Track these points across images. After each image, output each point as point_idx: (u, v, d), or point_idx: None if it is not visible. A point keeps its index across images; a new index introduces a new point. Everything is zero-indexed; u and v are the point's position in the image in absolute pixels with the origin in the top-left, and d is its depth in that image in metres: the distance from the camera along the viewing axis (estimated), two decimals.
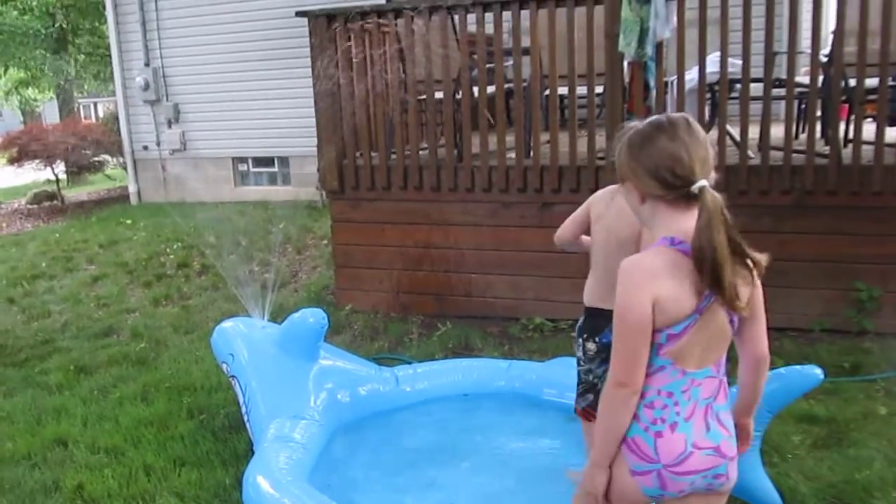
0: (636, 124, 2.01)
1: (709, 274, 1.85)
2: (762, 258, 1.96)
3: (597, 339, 2.96)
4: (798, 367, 2.96)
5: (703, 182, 1.86)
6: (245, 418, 3.89)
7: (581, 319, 3.05)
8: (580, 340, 3.03)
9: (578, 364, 3.08)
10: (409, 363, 4.69)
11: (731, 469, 2.02)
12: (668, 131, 1.92)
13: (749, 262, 1.93)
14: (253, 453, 3.56)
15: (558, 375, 3.95)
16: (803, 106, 5.44)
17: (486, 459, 3.66)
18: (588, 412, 3.14)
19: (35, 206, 13.47)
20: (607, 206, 2.89)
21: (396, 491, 3.43)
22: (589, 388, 3.09)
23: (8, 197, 14.82)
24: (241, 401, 3.96)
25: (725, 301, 1.88)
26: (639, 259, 1.97)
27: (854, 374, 4.33)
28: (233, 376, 4.08)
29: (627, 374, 1.93)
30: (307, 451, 3.50)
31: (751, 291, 1.98)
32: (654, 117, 2.00)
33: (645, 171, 1.94)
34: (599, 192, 2.97)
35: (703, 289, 1.88)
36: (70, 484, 3.64)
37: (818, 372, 2.87)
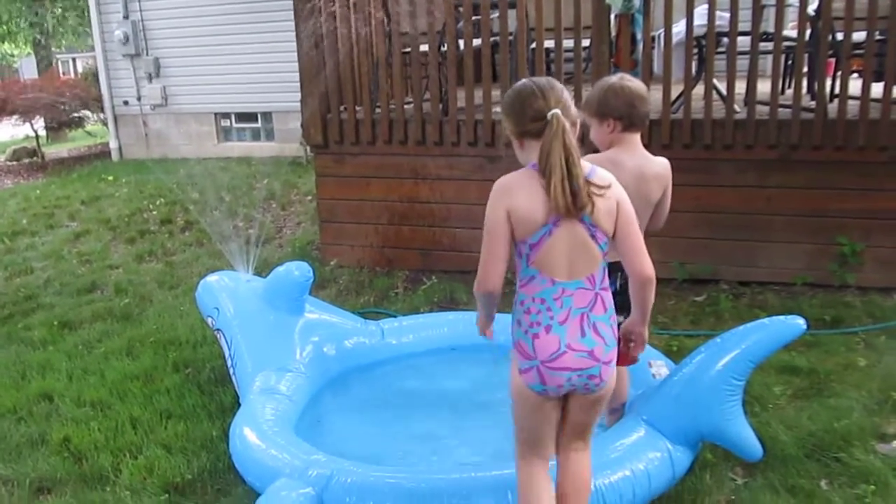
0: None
1: (547, 179, 2.16)
2: (603, 180, 2.25)
3: None
4: (781, 317, 2.99)
5: (555, 110, 2.19)
6: (231, 371, 3.90)
7: None
8: None
9: None
10: (395, 317, 4.70)
11: (604, 372, 2.32)
12: (528, 85, 2.29)
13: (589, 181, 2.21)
14: (239, 406, 3.58)
15: None
16: (790, 61, 5.42)
17: (471, 411, 3.69)
18: None
19: (14, 162, 13.30)
20: (620, 178, 2.83)
21: (382, 443, 3.45)
22: None
23: None
24: (226, 354, 3.97)
25: (552, 201, 2.16)
26: (503, 178, 2.28)
27: (835, 327, 4.38)
28: (218, 330, 4.08)
29: (482, 276, 2.29)
30: (293, 403, 3.52)
31: (614, 211, 2.24)
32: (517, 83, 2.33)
33: (514, 114, 2.29)
34: (590, 161, 2.91)
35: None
36: (56, 437, 3.65)
37: (801, 322, 2.90)
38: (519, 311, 2.32)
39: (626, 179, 2.88)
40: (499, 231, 2.22)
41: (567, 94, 2.26)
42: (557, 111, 2.19)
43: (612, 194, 2.24)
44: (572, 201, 2.16)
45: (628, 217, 2.27)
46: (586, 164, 2.24)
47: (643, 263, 2.31)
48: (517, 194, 2.22)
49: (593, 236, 2.24)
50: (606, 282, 2.34)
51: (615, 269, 2.97)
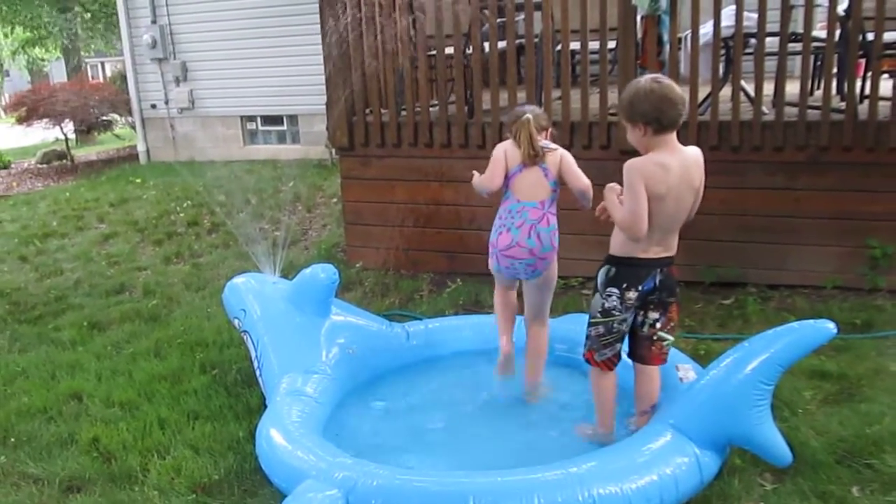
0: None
1: (521, 147, 3.49)
2: (551, 146, 3.53)
3: (640, 288, 3.06)
4: (811, 321, 2.95)
5: (527, 115, 3.50)
6: (257, 373, 3.92)
7: (612, 271, 3.10)
8: (617, 291, 3.08)
9: (608, 315, 3.12)
10: (420, 319, 4.70)
11: (538, 264, 3.54)
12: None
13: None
14: (265, 407, 3.60)
15: (569, 331, 3.96)
16: (819, 62, 5.36)
17: (495, 413, 3.69)
18: (611, 361, 3.18)
19: (45, 165, 13.50)
20: (668, 180, 2.91)
21: (406, 444, 3.45)
22: (619, 338, 3.16)
23: (18, 157, 14.83)
24: (253, 355, 3.99)
25: (523, 155, 3.49)
26: (501, 143, 3.64)
27: (866, 331, 4.32)
28: (245, 331, 4.11)
29: (487, 178, 3.60)
30: (319, 404, 3.53)
31: (558, 161, 3.50)
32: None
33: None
34: (641, 170, 2.93)
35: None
36: (85, 437, 3.69)
37: (831, 326, 2.86)
38: (497, 219, 3.60)
39: (676, 178, 2.92)
40: (499, 161, 3.54)
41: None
42: (529, 115, 3.48)
43: (557, 154, 3.51)
44: (533, 155, 3.46)
45: (569, 162, 3.50)
46: (548, 144, 3.53)
47: (580, 180, 3.47)
48: (509, 148, 3.54)
49: (546, 175, 3.49)
50: (554, 208, 3.53)
51: (653, 266, 2.99)
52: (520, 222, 3.48)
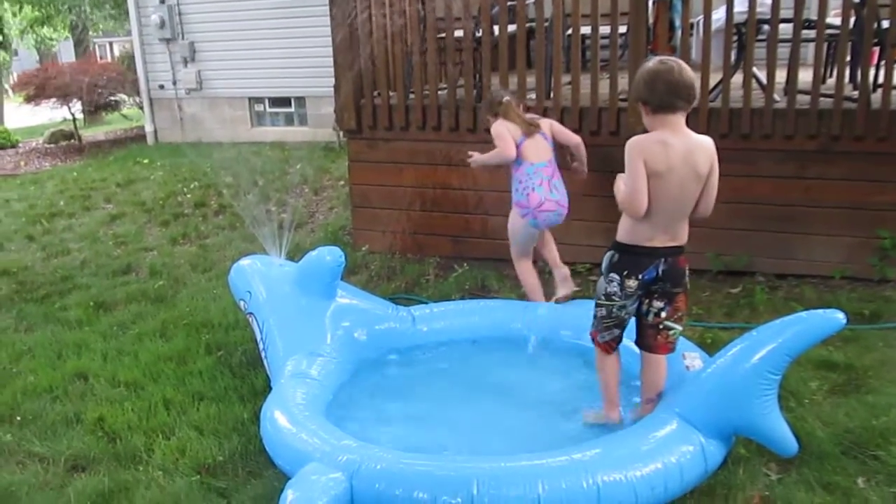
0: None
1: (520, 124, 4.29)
2: (538, 118, 4.46)
3: (640, 277, 3.05)
4: (819, 311, 2.92)
5: (506, 98, 4.38)
6: (262, 355, 3.92)
7: (615, 257, 3.10)
8: (618, 277, 3.08)
9: (609, 299, 3.13)
10: (426, 303, 4.69)
11: (565, 211, 4.30)
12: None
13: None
14: (270, 389, 3.60)
15: (574, 317, 3.95)
16: (833, 50, 5.30)
17: (500, 398, 3.68)
18: (610, 345, 3.18)
19: (52, 145, 13.50)
20: (669, 158, 2.89)
21: (410, 428, 3.45)
22: (618, 324, 3.18)
23: (26, 136, 14.84)
24: (258, 337, 3.99)
25: (521, 128, 4.27)
26: (501, 122, 4.30)
27: (874, 322, 4.29)
28: (250, 313, 4.10)
29: (503, 149, 4.24)
30: (324, 387, 3.54)
31: (549, 128, 4.35)
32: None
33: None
34: (640, 146, 2.92)
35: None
36: (91, 416, 3.70)
37: (840, 316, 2.83)
38: (516, 184, 4.27)
39: (677, 158, 2.92)
40: (504, 132, 4.23)
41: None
42: (506, 98, 4.34)
43: (546, 121, 4.43)
44: (529, 128, 4.25)
45: (557, 125, 4.44)
46: (534, 116, 4.48)
47: (571, 137, 4.45)
48: (507, 125, 4.26)
49: (545, 139, 4.29)
50: (556, 163, 4.31)
51: (657, 256, 2.98)
52: (539, 181, 4.20)
